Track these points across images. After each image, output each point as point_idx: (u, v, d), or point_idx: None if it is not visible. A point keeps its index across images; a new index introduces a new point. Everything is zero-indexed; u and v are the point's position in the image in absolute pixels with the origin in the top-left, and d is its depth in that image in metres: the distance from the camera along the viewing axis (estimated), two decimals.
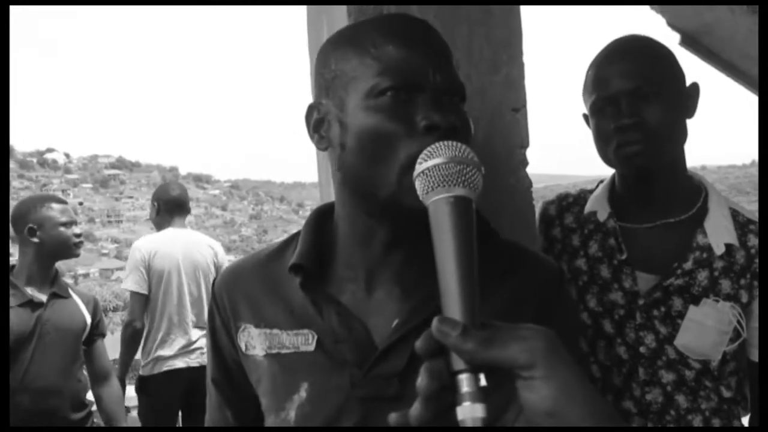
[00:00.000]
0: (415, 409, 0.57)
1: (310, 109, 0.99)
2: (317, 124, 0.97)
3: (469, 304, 0.58)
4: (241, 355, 1.02)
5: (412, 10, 1.29)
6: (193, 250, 3.96)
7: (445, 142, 0.64)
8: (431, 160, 0.63)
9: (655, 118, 1.33)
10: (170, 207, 4.02)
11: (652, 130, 1.33)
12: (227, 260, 4.19)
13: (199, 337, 3.92)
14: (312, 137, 0.99)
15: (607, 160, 1.41)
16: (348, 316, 0.95)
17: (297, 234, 1.07)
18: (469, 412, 0.55)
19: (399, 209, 0.89)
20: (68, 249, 2.87)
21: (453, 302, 0.59)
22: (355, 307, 0.96)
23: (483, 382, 0.56)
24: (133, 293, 3.81)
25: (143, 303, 3.82)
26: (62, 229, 2.84)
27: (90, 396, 2.99)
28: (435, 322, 0.57)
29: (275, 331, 0.99)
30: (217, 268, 4.06)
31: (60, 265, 2.97)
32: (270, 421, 0.99)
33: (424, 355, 0.58)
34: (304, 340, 0.96)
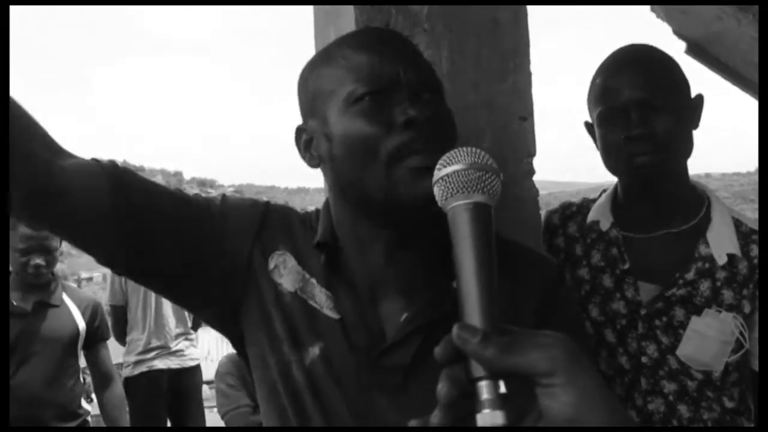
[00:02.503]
0: (435, 416, 0.57)
1: (299, 131, 1.02)
2: (306, 144, 1.00)
3: (488, 310, 0.58)
4: (261, 273, 1.00)
5: (421, 14, 1.30)
6: None
7: (465, 149, 0.64)
8: (450, 166, 0.63)
9: (664, 130, 1.33)
10: None
11: (661, 142, 1.33)
12: None
13: (179, 341, 3.97)
14: (303, 157, 1.01)
15: (614, 170, 1.42)
16: (363, 305, 0.97)
17: (313, 212, 1.08)
18: (489, 419, 0.55)
19: (397, 201, 0.90)
20: (23, 276, 2.76)
21: (472, 308, 0.58)
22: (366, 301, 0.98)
23: (503, 389, 0.56)
24: (111, 306, 3.91)
25: (120, 314, 3.91)
26: (16, 255, 2.73)
27: (86, 405, 2.98)
28: (455, 328, 0.57)
29: (312, 279, 0.99)
30: None
31: (64, 268, 2.93)
32: (283, 365, 0.97)
33: (444, 361, 0.58)
34: (331, 305, 0.97)
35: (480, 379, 0.56)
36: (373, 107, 0.91)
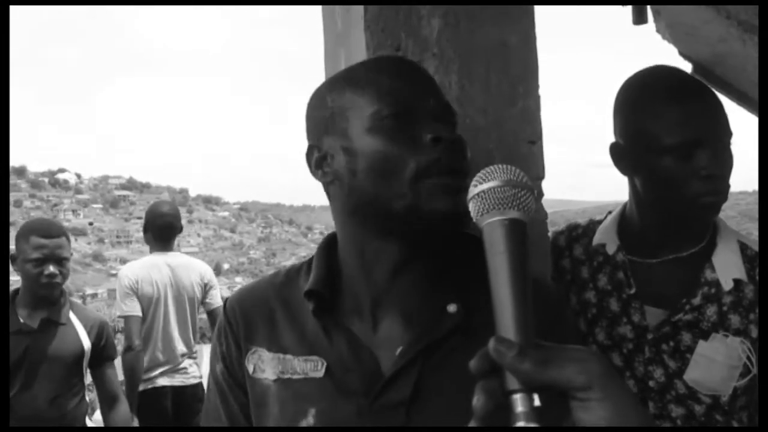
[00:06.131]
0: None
1: (311, 149, 1.02)
2: (319, 161, 1.01)
3: (523, 324, 0.59)
4: (247, 377, 1.03)
5: (430, 39, 1.31)
6: (180, 275, 4.01)
7: (500, 166, 0.65)
8: (486, 183, 0.64)
9: (730, 170, 1.34)
10: (156, 231, 4.07)
11: (727, 182, 1.34)
12: (216, 281, 4.28)
13: (183, 359, 3.97)
14: (315, 174, 1.02)
15: (670, 201, 1.36)
16: (358, 345, 0.96)
17: (308, 260, 1.09)
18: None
19: (417, 215, 0.92)
20: (37, 287, 2.75)
21: (508, 322, 0.60)
22: (363, 337, 0.98)
23: (537, 402, 0.57)
24: (127, 317, 3.83)
25: (138, 324, 3.83)
26: (29, 266, 2.72)
27: (90, 423, 2.98)
28: (492, 341, 0.59)
29: (288, 356, 1.00)
30: (204, 291, 4.11)
31: (69, 285, 2.93)
32: None
33: (479, 374, 0.59)
34: (313, 367, 0.98)
35: (515, 392, 0.57)
36: (400, 126, 0.93)
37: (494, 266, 0.62)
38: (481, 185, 0.64)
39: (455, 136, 0.95)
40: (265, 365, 1.01)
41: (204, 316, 4.28)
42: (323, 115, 1.00)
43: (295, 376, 0.98)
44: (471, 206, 0.65)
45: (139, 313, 3.85)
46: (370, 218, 0.97)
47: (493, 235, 0.63)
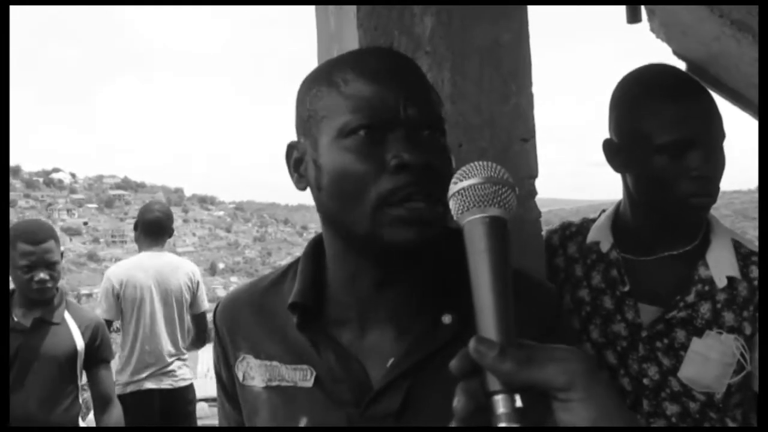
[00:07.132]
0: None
1: (290, 148, 0.99)
2: (296, 163, 0.97)
3: (504, 323, 0.58)
4: (238, 384, 1.02)
5: (423, 37, 1.31)
6: (166, 275, 3.99)
7: (480, 163, 0.64)
8: (467, 180, 0.63)
9: (722, 171, 1.34)
10: (146, 230, 4.06)
11: (718, 183, 1.34)
12: (202, 282, 4.26)
13: (172, 361, 3.96)
14: (292, 176, 0.99)
15: (660, 200, 1.36)
16: (346, 356, 0.94)
17: (295, 263, 1.06)
18: None
19: (378, 244, 0.88)
20: (28, 292, 2.74)
21: (488, 322, 0.59)
22: (351, 347, 0.96)
23: (519, 403, 0.56)
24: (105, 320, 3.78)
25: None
26: (19, 273, 2.71)
27: (82, 423, 2.96)
28: (472, 341, 0.57)
29: (274, 363, 0.98)
30: (193, 292, 4.09)
31: (63, 284, 2.92)
32: None
33: (460, 375, 0.58)
34: (303, 376, 0.96)
35: (496, 392, 0.57)
36: (366, 143, 0.87)
37: (475, 265, 0.61)
38: (461, 182, 0.63)
39: (426, 160, 0.86)
40: (253, 372, 1.00)
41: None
42: (301, 116, 0.97)
43: (284, 384, 0.96)
44: (451, 204, 0.64)
45: (111, 318, 3.86)
46: (339, 234, 0.95)
47: (474, 233, 0.62)
